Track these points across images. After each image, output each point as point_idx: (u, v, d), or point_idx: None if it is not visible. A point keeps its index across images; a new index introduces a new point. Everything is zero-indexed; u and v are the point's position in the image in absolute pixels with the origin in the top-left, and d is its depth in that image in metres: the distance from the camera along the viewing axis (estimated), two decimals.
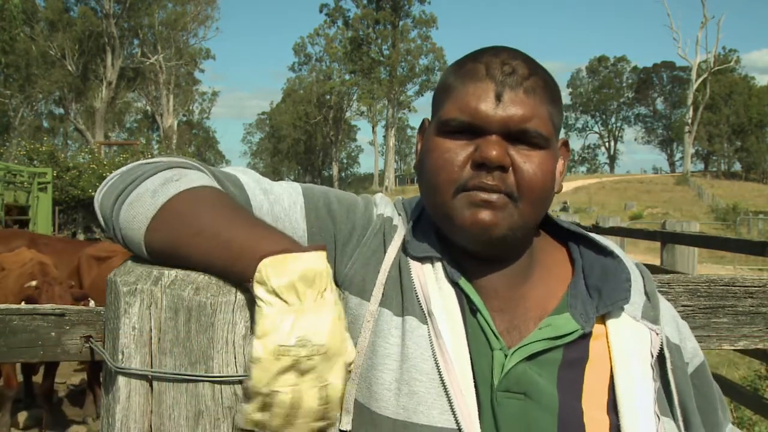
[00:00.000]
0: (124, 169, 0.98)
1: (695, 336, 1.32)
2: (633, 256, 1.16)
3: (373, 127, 64.77)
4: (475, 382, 0.92)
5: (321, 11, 60.79)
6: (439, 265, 0.99)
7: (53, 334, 1.12)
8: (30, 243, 6.88)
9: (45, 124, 53.55)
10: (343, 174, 75.45)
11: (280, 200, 1.02)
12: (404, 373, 0.91)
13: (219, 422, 0.83)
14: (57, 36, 42.18)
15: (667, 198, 44.12)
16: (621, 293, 0.98)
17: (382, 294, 0.97)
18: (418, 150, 1.06)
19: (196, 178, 0.94)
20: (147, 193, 0.91)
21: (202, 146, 70.34)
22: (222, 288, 0.85)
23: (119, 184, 0.94)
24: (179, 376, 0.82)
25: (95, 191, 0.99)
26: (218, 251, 0.85)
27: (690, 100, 58.44)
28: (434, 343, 0.92)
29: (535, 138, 0.94)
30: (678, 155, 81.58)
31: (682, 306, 1.32)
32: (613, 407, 0.93)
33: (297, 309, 0.79)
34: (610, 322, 0.98)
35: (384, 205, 1.08)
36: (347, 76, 59.95)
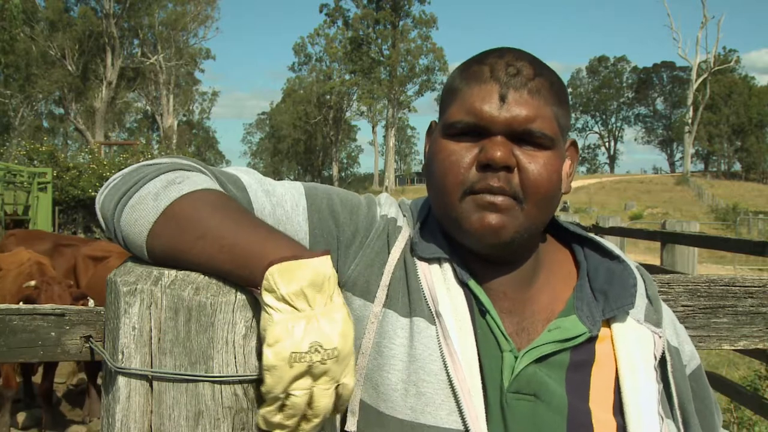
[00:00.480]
0: (125, 171, 0.97)
1: (695, 336, 1.32)
2: (633, 257, 1.17)
3: (373, 127, 64.86)
4: (483, 383, 0.92)
5: (321, 11, 60.82)
6: (447, 265, 0.99)
7: (53, 334, 1.12)
8: (54, 244, 6.82)
9: (45, 124, 53.55)
10: (343, 174, 75.40)
11: (282, 202, 1.01)
12: (412, 374, 0.91)
13: (219, 422, 0.83)
14: (57, 36, 42.18)
15: (667, 198, 44.14)
16: (627, 298, 0.98)
17: (387, 295, 0.97)
18: (426, 152, 1.06)
19: (199, 180, 0.93)
20: (149, 197, 0.90)
21: (202, 146, 70.32)
22: (222, 288, 0.85)
23: (121, 186, 0.93)
24: (179, 376, 0.82)
25: (95, 191, 0.99)
26: (222, 255, 0.85)
27: (690, 100, 58.46)
28: (443, 344, 0.92)
29: (540, 138, 0.94)
30: (678, 155, 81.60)
31: (682, 306, 1.32)
32: (619, 409, 0.94)
33: (307, 315, 0.79)
34: (614, 325, 0.98)
35: (388, 206, 1.08)
36: (347, 76, 59.94)
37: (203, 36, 50.78)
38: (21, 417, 5.39)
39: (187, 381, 0.82)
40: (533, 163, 0.94)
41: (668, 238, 5.74)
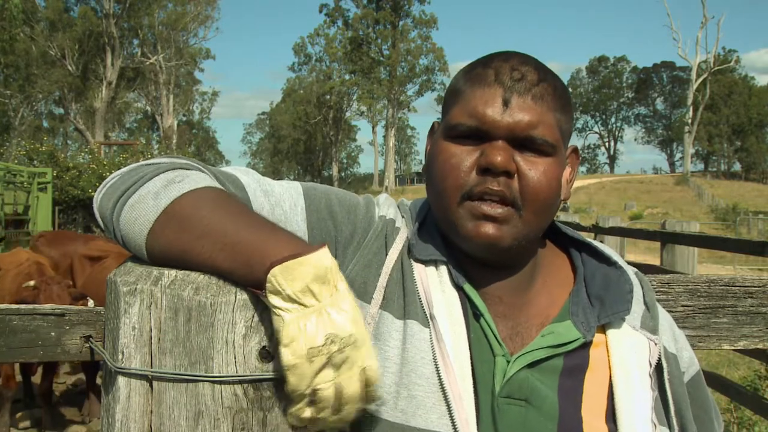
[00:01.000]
0: (124, 170, 0.97)
1: (695, 336, 1.32)
2: (633, 257, 1.17)
3: (373, 127, 64.88)
4: (475, 387, 0.92)
5: (321, 11, 60.82)
6: (443, 268, 0.99)
7: (53, 334, 1.12)
8: (84, 245, 6.77)
9: (45, 124, 53.54)
10: (343, 174, 75.40)
11: (280, 202, 1.01)
12: (404, 377, 0.91)
13: (219, 422, 0.83)
14: (57, 36, 42.15)
15: (667, 198, 44.14)
16: (623, 304, 0.98)
17: (383, 297, 0.97)
18: (426, 152, 1.06)
19: (199, 179, 0.93)
20: (149, 195, 0.89)
21: (202, 146, 70.30)
22: (222, 288, 0.85)
23: (120, 186, 0.92)
24: (179, 376, 0.82)
25: (95, 191, 0.99)
26: (224, 254, 0.85)
27: (690, 100, 58.45)
28: (435, 347, 0.92)
29: (542, 145, 0.94)
30: (678, 155, 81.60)
31: (682, 306, 1.32)
32: (611, 416, 0.93)
33: (316, 309, 0.79)
34: (610, 331, 0.98)
35: (387, 207, 1.07)
36: (347, 76, 59.94)
37: (203, 36, 50.83)
38: (21, 417, 5.39)
39: (187, 381, 0.82)
40: (533, 169, 0.94)
41: (668, 238, 5.74)
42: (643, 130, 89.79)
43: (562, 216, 11.62)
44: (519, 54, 0.99)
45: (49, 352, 1.13)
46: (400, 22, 58.18)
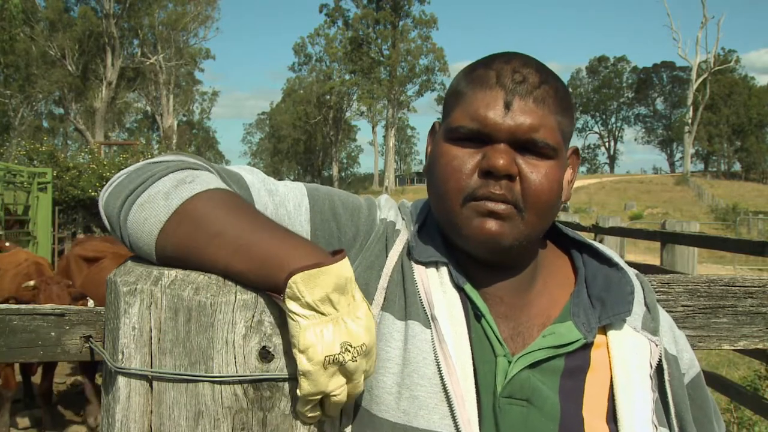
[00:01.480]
0: (131, 168, 0.95)
1: (695, 336, 1.32)
2: (633, 257, 1.17)
3: (373, 127, 64.89)
4: (477, 387, 0.92)
5: (321, 11, 60.83)
6: (444, 269, 0.99)
7: (53, 334, 1.12)
8: (114, 249, 6.75)
9: (45, 124, 53.53)
10: (343, 174, 75.42)
11: (285, 202, 1.01)
12: (405, 378, 0.92)
13: (219, 422, 0.83)
14: (57, 36, 42.14)
15: (667, 198, 44.14)
16: (624, 305, 0.98)
17: (384, 298, 0.97)
18: (427, 153, 1.06)
19: (209, 179, 0.92)
20: (159, 195, 0.88)
21: (202, 146, 70.28)
22: (222, 288, 0.85)
23: (128, 185, 0.91)
24: (179, 376, 0.82)
25: (95, 191, 0.99)
26: (238, 255, 0.84)
27: (690, 100, 58.46)
28: (437, 348, 0.92)
29: (543, 148, 0.94)
30: (678, 155, 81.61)
31: (682, 306, 1.32)
32: (612, 416, 0.94)
33: (334, 318, 0.80)
34: (611, 332, 0.98)
35: (388, 209, 1.08)
36: (347, 76, 59.94)
37: (203, 36, 50.79)
38: (21, 417, 5.39)
39: (187, 381, 0.82)
40: (535, 172, 0.94)
41: (668, 238, 5.74)
42: (643, 130, 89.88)
43: (562, 216, 11.62)
44: (520, 55, 0.98)
45: (49, 352, 1.13)
46: (400, 22, 58.20)
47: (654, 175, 78.51)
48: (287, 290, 0.79)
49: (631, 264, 1.11)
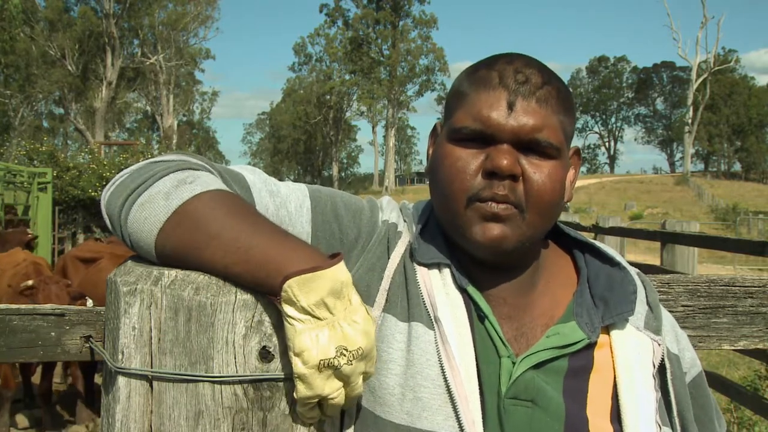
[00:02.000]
0: (133, 168, 0.96)
1: (695, 336, 1.32)
2: (633, 257, 1.17)
3: (373, 127, 64.88)
4: (481, 388, 0.92)
5: (321, 11, 60.84)
6: (446, 270, 0.99)
7: (53, 334, 1.12)
8: (111, 249, 6.71)
9: (45, 124, 53.52)
10: (343, 174, 75.41)
11: (286, 203, 1.01)
12: (409, 379, 0.92)
13: (219, 422, 0.83)
14: (57, 36, 42.12)
15: (667, 198, 44.14)
16: (627, 305, 0.98)
17: (386, 300, 0.97)
18: (429, 154, 1.06)
19: (209, 180, 0.92)
20: (159, 195, 0.88)
21: (202, 146, 70.22)
22: (222, 288, 0.85)
23: (129, 184, 0.91)
24: (179, 376, 0.82)
25: (95, 191, 0.99)
26: (236, 256, 0.84)
27: (690, 100, 58.46)
28: (441, 349, 0.92)
29: (546, 148, 0.94)
30: (678, 155, 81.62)
31: (682, 306, 1.32)
32: (616, 416, 0.94)
33: (330, 322, 0.80)
34: (614, 332, 0.98)
35: (390, 211, 1.07)
36: (347, 76, 59.94)
37: (203, 36, 50.78)
38: (21, 417, 5.39)
39: (187, 381, 0.82)
40: (538, 172, 0.94)
41: (668, 238, 5.74)
42: (643, 130, 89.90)
43: (562, 216, 11.62)
44: (522, 56, 0.99)
45: (49, 352, 1.13)
46: (400, 22, 58.20)
47: (654, 175, 78.53)
48: (282, 294, 0.79)
49: (631, 264, 1.11)
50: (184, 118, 62.08)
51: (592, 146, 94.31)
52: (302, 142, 70.84)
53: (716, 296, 1.34)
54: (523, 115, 0.93)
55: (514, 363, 0.93)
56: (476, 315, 0.96)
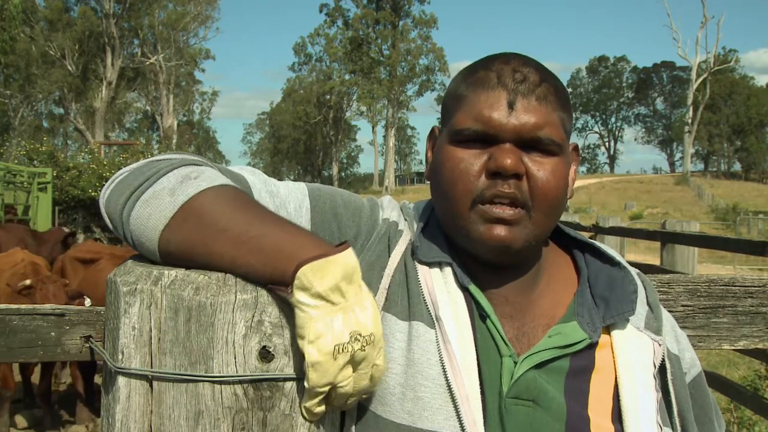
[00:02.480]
0: (133, 166, 0.95)
1: (695, 336, 1.32)
2: (633, 257, 1.17)
3: (373, 127, 64.81)
4: (482, 388, 0.92)
5: (321, 11, 60.83)
6: (448, 269, 0.99)
7: (53, 334, 1.12)
8: (110, 249, 6.70)
9: (45, 124, 53.56)
10: (343, 174, 75.39)
11: (285, 203, 1.01)
12: (409, 378, 0.91)
13: (219, 422, 0.83)
14: (57, 36, 42.14)
15: (667, 198, 44.13)
16: (628, 305, 0.98)
17: (386, 298, 0.97)
18: (428, 158, 1.06)
19: (214, 176, 0.92)
20: (164, 191, 0.88)
21: (202, 146, 70.25)
22: (222, 288, 0.85)
23: (132, 182, 0.90)
24: (179, 376, 0.82)
25: (95, 191, 0.99)
26: (245, 248, 0.84)
27: (690, 100, 58.48)
28: (442, 349, 0.92)
29: (548, 145, 0.94)
30: (678, 155, 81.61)
31: (682, 306, 1.32)
32: (617, 416, 0.94)
33: (343, 307, 0.80)
34: (614, 332, 0.98)
35: (390, 209, 1.07)
36: (347, 76, 59.92)
37: (203, 36, 50.79)
38: (20, 417, 5.39)
39: (187, 381, 0.82)
40: (541, 170, 0.94)
41: (668, 238, 5.74)
42: (643, 130, 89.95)
43: (562, 216, 11.62)
44: (518, 55, 0.99)
45: (49, 352, 1.13)
46: (400, 22, 58.21)
47: (654, 175, 78.52)
48: (296, 281, 0.79)
49: (631, 264, 1.12)
50: (184, 118, 62.13)
51: (592, 146, 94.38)
52: (302, 142, 70.84)
53: (716, 296, 1.34)
54: (524, 114, 0.93)
55: (515, 362, 0.93)
56: (478, 314, 0.96)
